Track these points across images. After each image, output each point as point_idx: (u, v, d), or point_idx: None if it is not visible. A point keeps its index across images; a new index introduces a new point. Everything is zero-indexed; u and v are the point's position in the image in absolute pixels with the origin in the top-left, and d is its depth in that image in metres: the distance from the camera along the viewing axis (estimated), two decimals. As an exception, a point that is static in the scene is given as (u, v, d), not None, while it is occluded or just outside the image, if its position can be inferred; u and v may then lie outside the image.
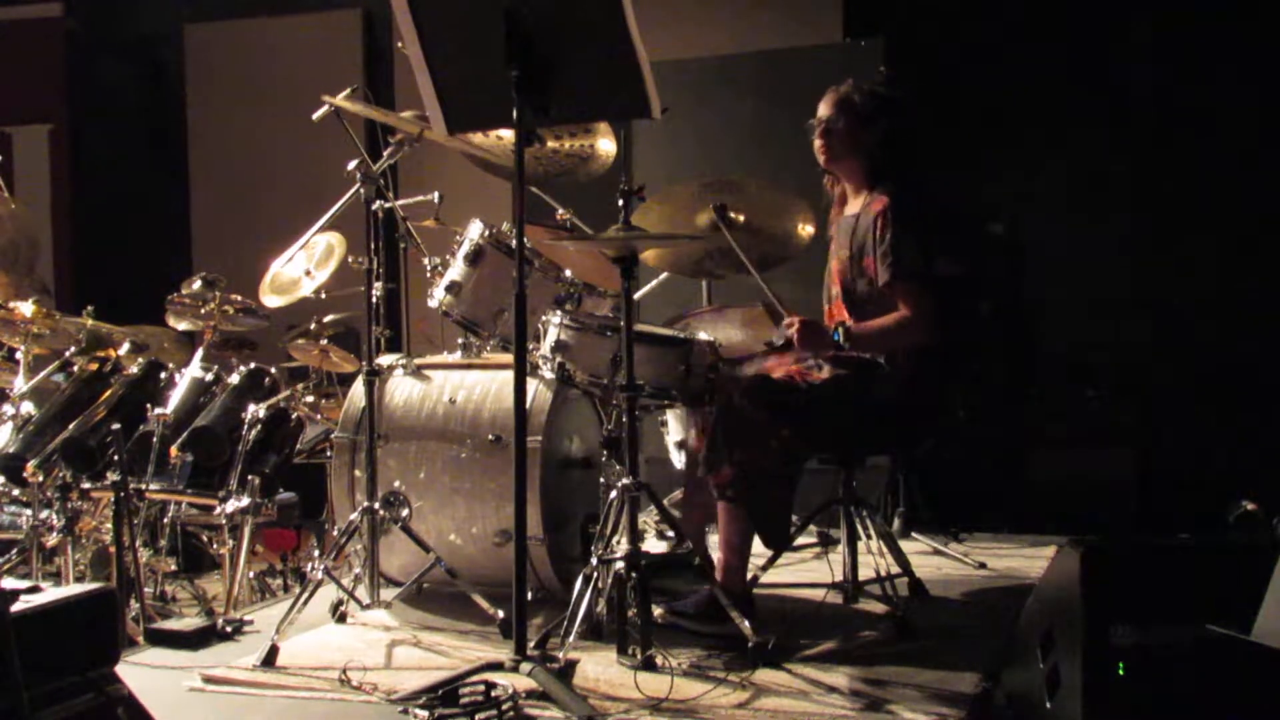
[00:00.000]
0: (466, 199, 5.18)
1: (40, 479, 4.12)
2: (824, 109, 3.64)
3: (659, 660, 3.11)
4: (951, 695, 2.91)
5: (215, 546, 4.51)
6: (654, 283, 4.69)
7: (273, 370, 4.88)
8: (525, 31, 3.01)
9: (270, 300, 4.61)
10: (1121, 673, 2.48)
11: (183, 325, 5.10)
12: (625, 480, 3.21)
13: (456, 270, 3.88)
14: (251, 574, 4.65)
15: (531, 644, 3.04)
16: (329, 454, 4.36)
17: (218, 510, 4.30)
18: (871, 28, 5.85)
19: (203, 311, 4.88)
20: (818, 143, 3.66)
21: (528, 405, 3.22)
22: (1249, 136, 5.63)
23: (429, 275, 3.96)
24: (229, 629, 3.57)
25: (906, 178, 3.59)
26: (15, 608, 2.32)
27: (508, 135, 4.13)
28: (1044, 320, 5.92)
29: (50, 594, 2.45)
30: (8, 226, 5.67)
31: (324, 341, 5.17)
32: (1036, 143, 5.91)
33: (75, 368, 4.74)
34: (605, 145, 4.31)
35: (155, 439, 4.30)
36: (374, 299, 3.79)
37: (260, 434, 4.47)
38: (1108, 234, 5.82)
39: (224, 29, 7.42)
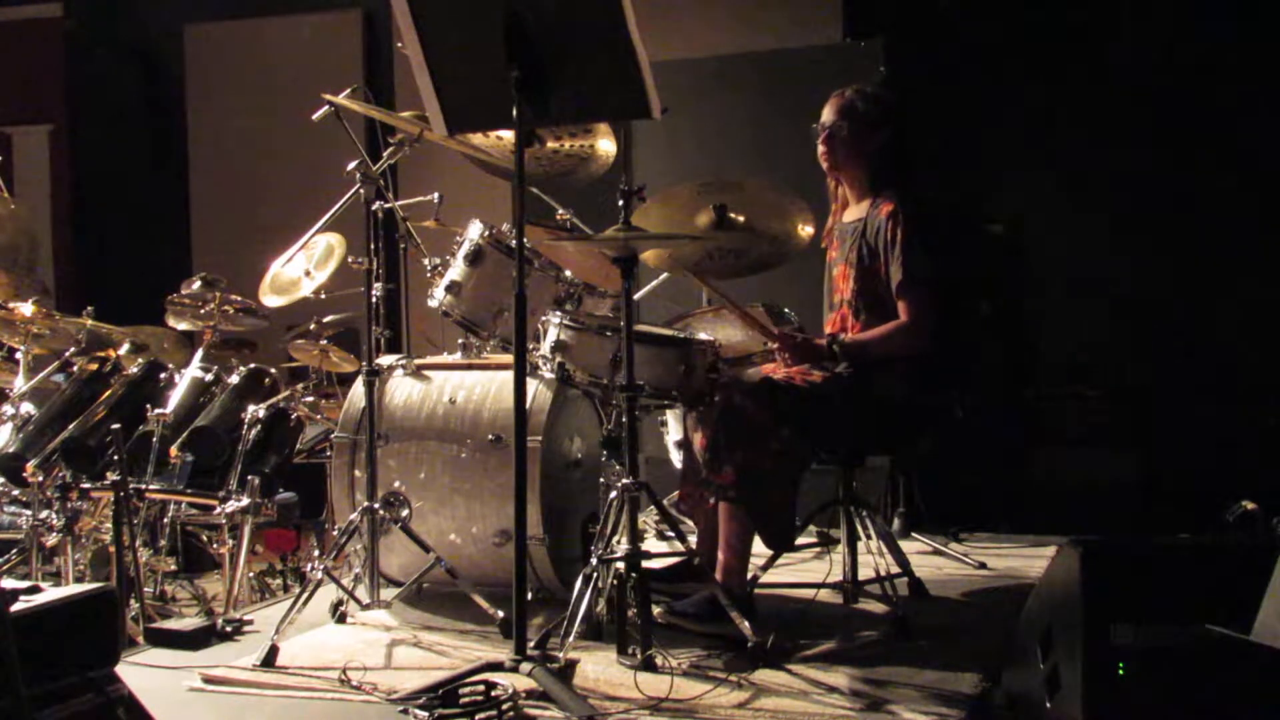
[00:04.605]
0: (466, 199, 5.18)
1: (40, 479, 4.12)
2: (827, 114, 3.64)
3: (659, 660, 3.11)
4: (951, 695, 2.91)
5: (215, 546, 4.51)
6: (654, 283, 4.69)
7: (273, 370, 4.88)
8: (525, 31, 3.01)
9: (270, 300, 4.61)
10: (1121, 673, 2.48)
11: (183, 325, 5.10)
12: (625, 480, 3.21)
13: (456, 270, 3.88)
14: (251, 574, 4.65)
15: (531, 644, 3.04)
16: (329, 454, 4.36)
17: (218, 510, 4.29)
18: (871, 28, 5.84)
19: (203, 311, 4.89)
20: (821, 148, 3.66)
21: (528, 405, 3.22)
22: (1249, 136, 5.63)
23: (429, 275, 3.96)
24: (229, 629, 3.57)
25: (909, 182, 3.59)
26: (15, 608, 2.32)
27: (508, 135, 4.13)
28: (1044, 320, 5.92)
29: (50, 594, 2.46)
30: (8, 226, 5.67)
31: (324, 341, 5.17)
32: (1036, 143, 5.90)
33: (75, 368, 4.74)
34: (605, 146, 4.31)
35: (155, 439, 4.30)
36: (374, 299, 3.79)
37: (260, 434, 4.47)
38: (1108, 234, 5.82)
39: (224, 29, 7.42)
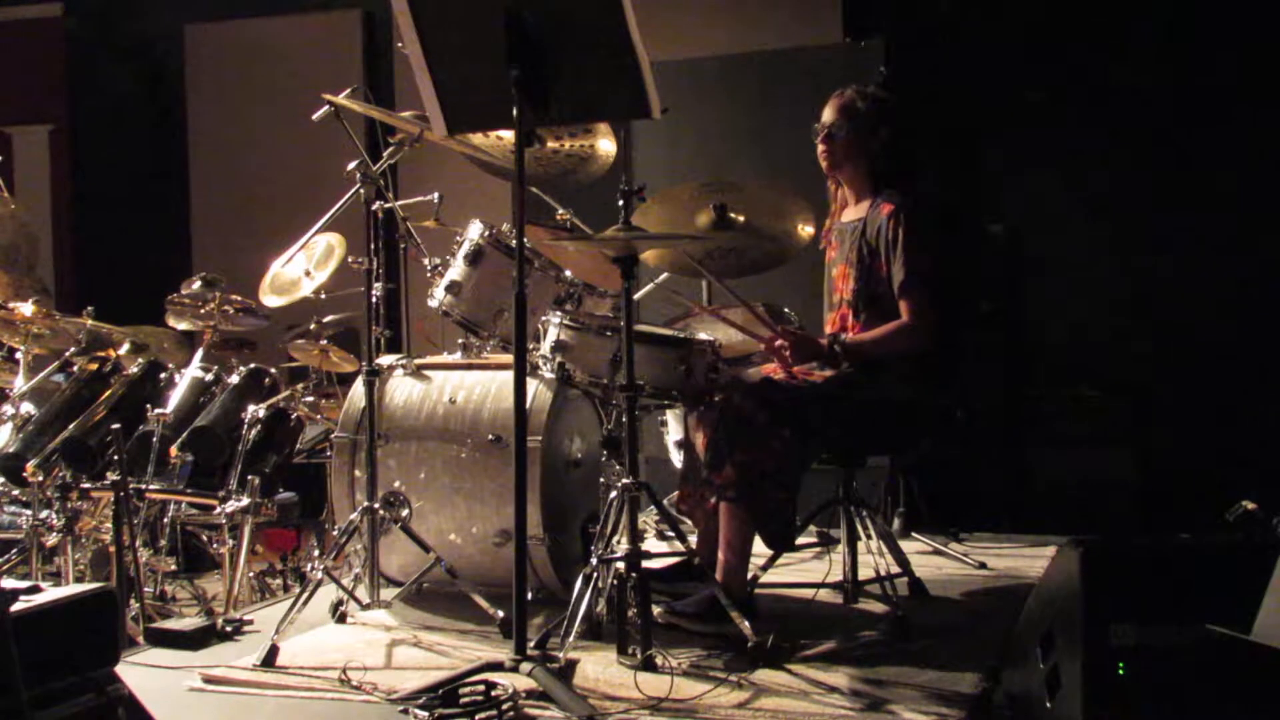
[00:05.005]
0: (466, 199, 5.18)
1: (40, 479, 4.12)
2: (828, 114, 3.64)
3: (659, 660, 3.11)
4: (951, 695, 2.91)
5: (215, 546, 4.51)
6: (654, 283, 4.69)
7: (273, 370, 4.88)
8: (525, 31, 3.01)
9: (270, 300, 4.61)
10: (1121, 673, 2.48)
11: (183, 325, 5.10)
12: (625, 480, 3.21)
13: (456, 270, 3.88)
14: (251, 574, 4.65)
15: (531, 644, 3.04)
16: (329, 454, 4.36)
17: (218, 510, 4.30)
18: (871, 28, 5.85)
19: (203, 311, 4.89)
20: (821, 148, 3.66)
21: (528, 405, 3.22)
22: (1249, 135, 5.63)
23: (429, 275, 3.96)
24: (229, 629, 3.57)
25: (909, 183, 3.59)
26: (15, 608, 2.32)
27: (508, 135, 4.13)
28: (1044, 320, 5.92)
29: (50, 594, 2.46)
30: (8, 226, 5.68)
31: (324, 341, 5.17)
32: (1036, 143, 5.91)
33: (75, 368, 4.74)
34: (605, 145, 4.31)
35: (155, 439, 4.30)
36: (374, 299, 3.79)
37: (260, 434, 4.47)
38: (1108, 234, 5.82)
39: (224, 29, 7.42)
